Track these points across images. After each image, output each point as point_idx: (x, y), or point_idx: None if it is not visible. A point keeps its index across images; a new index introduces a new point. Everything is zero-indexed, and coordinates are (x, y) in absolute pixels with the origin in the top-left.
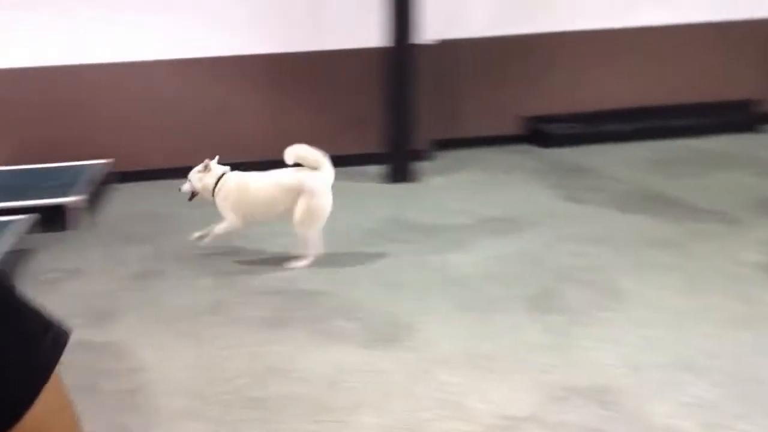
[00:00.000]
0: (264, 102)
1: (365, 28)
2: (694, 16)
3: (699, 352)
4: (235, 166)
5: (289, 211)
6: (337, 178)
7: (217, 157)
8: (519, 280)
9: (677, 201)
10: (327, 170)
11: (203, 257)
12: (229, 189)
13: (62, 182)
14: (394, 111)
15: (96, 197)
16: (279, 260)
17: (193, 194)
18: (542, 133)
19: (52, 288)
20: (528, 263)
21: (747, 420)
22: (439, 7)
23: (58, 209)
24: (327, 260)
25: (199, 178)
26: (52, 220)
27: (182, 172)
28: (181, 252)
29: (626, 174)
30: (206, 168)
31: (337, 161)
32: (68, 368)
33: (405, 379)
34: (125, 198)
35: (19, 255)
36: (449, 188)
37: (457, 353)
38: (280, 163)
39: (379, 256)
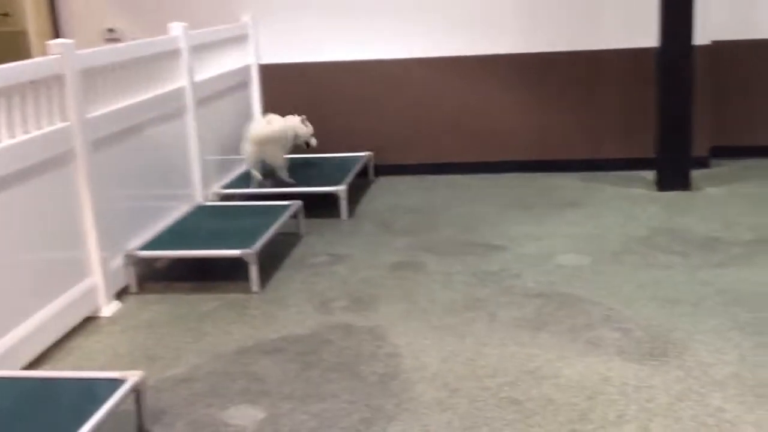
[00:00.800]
0: (527, 102)
1: (639, 27)
2: None
3: None
4: (497, 166)
5: None
6: (605, 182)
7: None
8: None
9: None
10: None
11: (461, 254)
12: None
13: (328, 172)
14: (668, 114)
15: (359, 188)
16: (541, 262)
17: (308, 144)
18: None
19: (318, 271)
20: None
21: None
22: (724, 7)
23: (325, 197)
24: (593, 267)
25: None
26: (320, 206)
27: (441, 169)
28: (439, 246)
29: None
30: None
31: (605, 165)
32: (332, 348)
33: (672, 399)
34: (384, 190)
35: (288, 238)
36: (728, 199)
37: (732, 378)
38: (541, 164)
39: (650, 266)
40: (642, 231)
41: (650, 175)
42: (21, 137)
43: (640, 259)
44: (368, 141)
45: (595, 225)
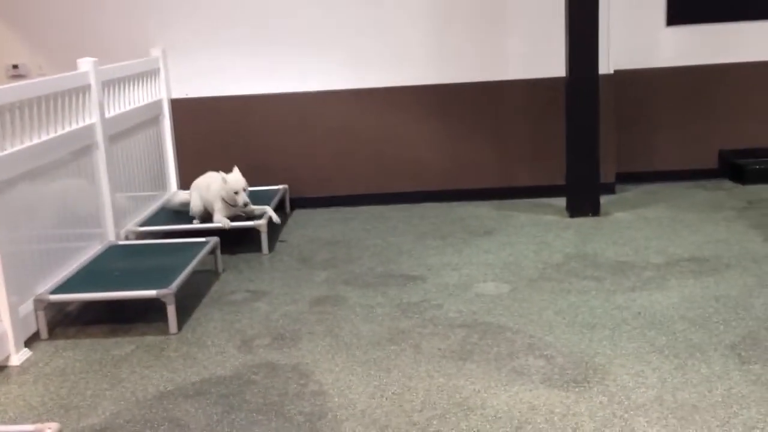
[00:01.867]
0: (440, 132)
1: (544, 57)
2: None
3: None
4: (413, 196)
5: None
6: (518, 210)
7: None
8: (720, 326)
9: None
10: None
11: (382, 285)
12: None
13: None
14: (577, 142)
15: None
16: (461, 292)
17: (245, 203)
18: (739, 167)
19: (238, 309)
20: (730, 308)
21: None
22: (626, 36)
23: (240, 232)
24: (512, 295)
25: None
26: (235, 242)
27: (357, 200)
28: (359, 279)
29: None
30: None
31: (515, 193)
32: (256, 389)
33: (597, 425)
34: (301, 223)
35: (206, 276)
36: (637, 224)
37: (654, 401)
38: (455, 194)
39: (566, 292)
40: (557, 257)
41: (561, 201)
42: None
43: (556, 286)
44: (283, 174)
45: (511, 252)
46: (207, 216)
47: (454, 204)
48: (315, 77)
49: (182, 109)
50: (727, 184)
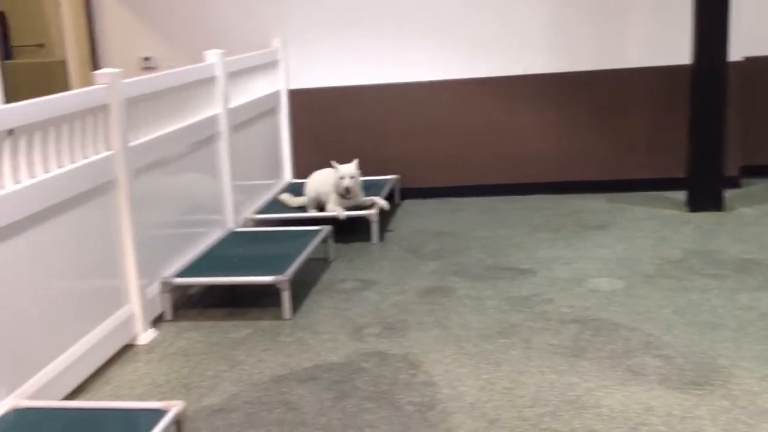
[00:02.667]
0: (555, 122)
1: (668, 45)
2: None
3: None
4: (524, 187)
5: None
6: (634, 203)
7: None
8: None
9: None
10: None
11: (491, 278)
12: None
13: None
14: (701, 133)
15: (386, 212)
16: (573, 286)
17: (348, 190)
18: None
19: (349, 297)
20: None
21: None
22: (757, 22)
23: (353, 221)
24: (628, 291)
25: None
26: (347, 231)
27: (467, 191)
28: (468, 271)
29: None
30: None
31: (632, 186)
32: (367, 376)
33: (719, 430)
34: (410, 214)
35: (318, 264)
36: (762, 219)
37: None
38: (568, 186)
39: (685, 290)
40: (675, 253)
41: (680, 195)
42: (68, 166)
43: (675, 283)
44: (395, 164)
45: (626, 247)
46: (317, 207)
47: (567, 196)
48: (431, 67)
49: (299, 99)
50: None
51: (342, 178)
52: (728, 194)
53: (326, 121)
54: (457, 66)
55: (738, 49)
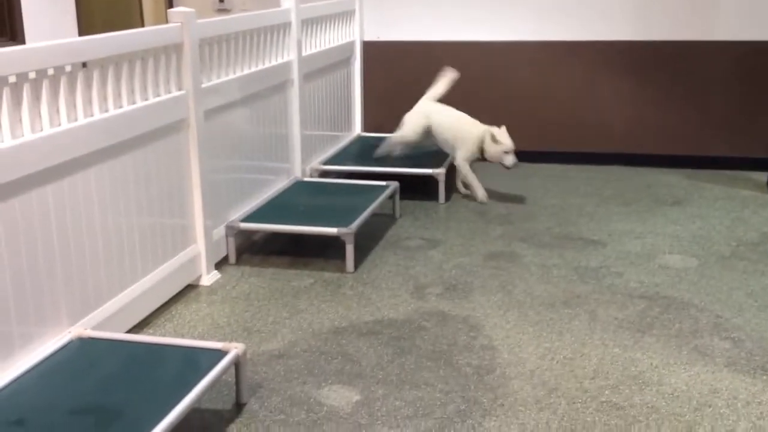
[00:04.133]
0: (635, 92)
1: (760, 18)
2: None
3: None
4: (598, 157)
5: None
6: (712, 181)
7: None
8: None
9: None
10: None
11: (559, 247)
12: None
13: (423, 154)
14: None
15: (455, 173)
16: (643, 261)
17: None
18: None
19: (413, 255)
20: None
21: None
22: None
23: (420, 179)
24: (700, 271)
25: None
26: (414, 189)
27: (539, 157)
28: (535, 238)
29: None
30: None
31: (711, 163)
32: (427, 335)
33: None
34: (481, 176)
35: (383, 219)
36: None
37: None
38: (644, 159)
39: (760, 273)
40: (752, 235)
41: (762, 176)
42: (140, 103)
43: (750, 266)
44: None
45: (701, 226)
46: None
47: (642, 169)
48: (506, 27)
49: (373, 52)
50: None
51: (507, 152)
52: None
53: (398, 76)
54: (536, 28)
55: None
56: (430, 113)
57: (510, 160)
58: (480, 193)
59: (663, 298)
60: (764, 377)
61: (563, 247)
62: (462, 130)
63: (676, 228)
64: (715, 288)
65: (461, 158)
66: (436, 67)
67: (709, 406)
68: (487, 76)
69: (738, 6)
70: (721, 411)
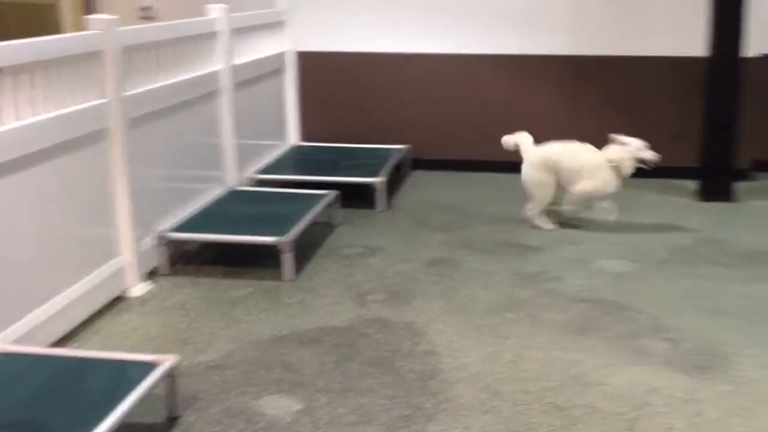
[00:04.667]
0: (569, 104)
1: (686, 37)
2: None
3: None
4: None
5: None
6: (645, 189)
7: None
8: None
9: None
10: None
11: (499, 253)
12: None
13: (365, 163)
14: (715, 125)
15: (394, 181)
16: (582, 266)
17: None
18: None
19: (353, 263)
20: None
21: None
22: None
23: (361, 188)
24: (637, 274)
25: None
26: (355, 197)
27: (478, 166)
28: (476, 244)
29: None
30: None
31: (645, 172)
32: (369, 342)
33: (721, 414)
34: (420, 184)
35: (322, 228)
36: None
37: None
38: None
39: (695, 276)
40: (686, 241)
41: (693, 184)
42: (57, 112)
43: (684, 269)
44: (406, 134)
45: (635, 231)
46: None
47: None
48: (447, 39)
49: (308, 62)
50: None
51: (641, 148)
52: (740, 186)
53: (337, 86)
54: (474, 40)
55: (758, 46)
56: (549, 157)
57: (650, 153)
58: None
59: (602, 301)
60: (701, 376)
61: (503, 252)
62: (580, 159)
63: (612, 234)
64: (652, 291)
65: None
66: (376, 78)
67: (649, 405)
68: (425, 87)
69: (666, 23)
70: (660, 409)
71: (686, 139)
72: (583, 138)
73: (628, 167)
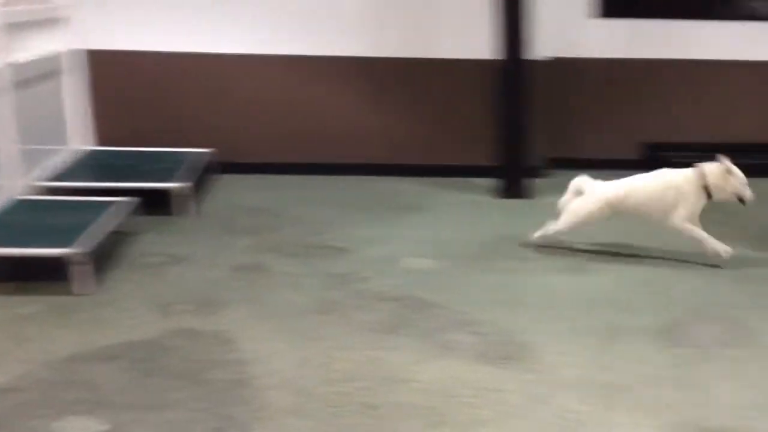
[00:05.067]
0: (368, 106)
1: (477, 39)
2: None
3: None
4: (340, 168)
5: None
6: (445, 188)
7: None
8: (643, 309)
9: None
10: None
11: (307, 255)
12: None
13: (167, 167)
14: (507, 125)
15: (199, 185)
16: (388, 266)
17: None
18: (662, 160)
19: (155, 272)
20: (652, 293)
21: None
22: (557, 24)
23: (163, 194)
24: (441, 271)
25: None
26: (157, 204)
27: (283, 169)
28: (283, 248)
29: (750, 210)
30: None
31: (443, 171)
32: (175, 354)
33: (524, 401)
34: (226, 189)
35: (122, 237)
36: None
37: (579, 379)
38: (382, 168)
39: (495, 271)
40: (484, 237)
41: (490, 182)
42: None
43: (485, 264)
44: (212, 137)
45: (438, 230)
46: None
47: (381, 179)
48: (248, 40)
49: (100, 61)
50: None
51: (744, 184)
52: (537, 184)
53: (134, 88)
54: (278, 42)
55: (545, 49)
56: (614, 197)
57: (749, 191)
58: (721, 247)
59: (409, 299)
60: (505, 366)
61: (311, 255)
62: (672, 188)
63: (415, 233)
64: (455, 287)
65: (681, 218)
66: (170, 79)
67: (457, 397)
68: (225, 89)
69: (455, 26)
70: (469, 401)
71: (482, 140)
72: (379, 138)
73: (722, 195)
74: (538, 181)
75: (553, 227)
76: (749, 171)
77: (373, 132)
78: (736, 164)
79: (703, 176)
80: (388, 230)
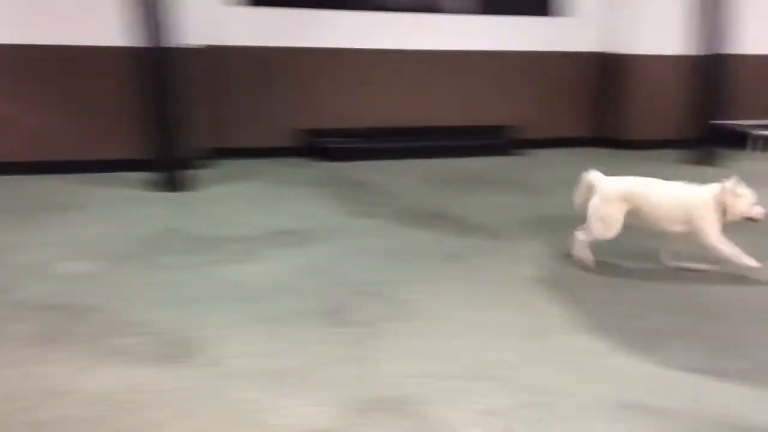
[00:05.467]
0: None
1: (106, 24)
2: (460, 44)
3: (489, 361)
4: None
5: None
6: (101, 184)
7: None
8: (310, 293)
9: (453, 217)
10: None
11: None
12: None
13: None
14: (155, 116)
15: None
16: (41, 272)
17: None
18: (318, 146)
19: None
20: (317, 276)
21: (543, 428)
22: (206, 12)
23: None
24: (100, 273)
25: None
26: None
27: None
28: None
29: (404, 190)
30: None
31: (93, 167)
32: None
33: (198, 397)
34: None
35: None
36: (228, 199)
37: (252, 369)
38: (34, 166)
39: (159, 268)
40: (146, 232)
41: (147, 176)
42: None
43: (149, 261)
44: None
45: (94, 229)
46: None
47: (33, 177)
48: None
49: None
50: (310, 161)
51: (754, 204)
52: (199, 174)
53: None
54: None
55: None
56: (632, 192)
57: (760, 209)
58: (753, 262)
59: (67, 305)
60: (177, 364)
61: None
62: (695, 202)
63: (70, 234)
64: (118, 288)
65: (715, 235)
66: None
67: (133, 402)
68: None
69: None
70: (147, 404)
71: (133, 131)
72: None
73: (732, 217)
74: (201, 172)
75: (584, 237)
76: (407, 153)
77: (8, 128)
78: (386, 148)
79: (721, 195)
80: (38, 234)
